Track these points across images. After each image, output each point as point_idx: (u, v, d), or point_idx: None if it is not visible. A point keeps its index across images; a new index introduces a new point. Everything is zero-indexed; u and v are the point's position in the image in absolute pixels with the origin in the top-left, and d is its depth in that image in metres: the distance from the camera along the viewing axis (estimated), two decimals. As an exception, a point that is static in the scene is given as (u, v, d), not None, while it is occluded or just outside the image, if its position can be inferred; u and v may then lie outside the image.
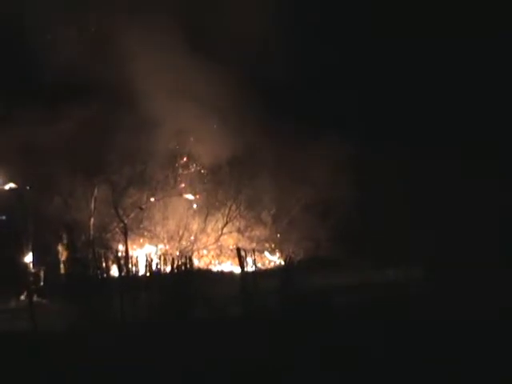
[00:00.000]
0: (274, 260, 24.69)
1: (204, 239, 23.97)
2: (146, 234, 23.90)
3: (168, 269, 17.41)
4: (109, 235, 23.61)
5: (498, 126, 24.62)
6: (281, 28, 23.38)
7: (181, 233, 23.63)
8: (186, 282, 17.14)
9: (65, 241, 22.23)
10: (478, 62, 25.12)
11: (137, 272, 20.34)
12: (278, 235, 24.89)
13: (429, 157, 24.03)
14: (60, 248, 22.21)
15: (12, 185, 23.06)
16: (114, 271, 17.55)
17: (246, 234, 24.42)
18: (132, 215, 23.48)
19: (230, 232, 24.33)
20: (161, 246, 23.86)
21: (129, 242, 23.13)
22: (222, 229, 24.28)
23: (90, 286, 16.78)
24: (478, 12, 25.06)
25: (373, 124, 24.97)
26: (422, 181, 24.12)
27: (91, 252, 21.60)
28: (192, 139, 23.90)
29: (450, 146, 23.95)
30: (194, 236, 23.71)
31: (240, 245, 22.30)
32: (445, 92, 25.23)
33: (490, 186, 22.52)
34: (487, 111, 24.78)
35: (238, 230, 24.41)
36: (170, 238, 23.59)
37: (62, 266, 21.47)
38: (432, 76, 25.43)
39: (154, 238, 23.77)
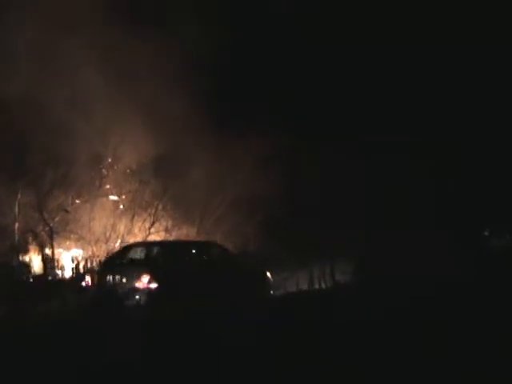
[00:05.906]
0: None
1: (131, 240, 23.77)
2: (72, 236, 23.53)
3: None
4: (34, 239, 23.19)
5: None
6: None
7: (108, 234, 23.40)
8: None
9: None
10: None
11: (63, 275, 20.07)
12: (206, 233, 24.96)
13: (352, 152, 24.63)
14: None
15: None
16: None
17: (174, 232, 24.42)
18: (57, 218, 23.06)
19: (158, 231, 24.23)
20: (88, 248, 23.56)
21: (55, 246, 22.82)
22: (150, 228, 24.14)
23: (16, 290, 16.60)
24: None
25: (298, 120, 25.38)
26: (347, 175, 24.65)
27: (16, 257, 21.36)
28: (115, 139, 23.58)
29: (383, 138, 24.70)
30: (120, 237, 23.52)
31: (168, 243, 22.19)
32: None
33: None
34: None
35: (166, 229, 24.33)
36: (97, 240, 23.31)
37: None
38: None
39: (80, 241, 23.45)
